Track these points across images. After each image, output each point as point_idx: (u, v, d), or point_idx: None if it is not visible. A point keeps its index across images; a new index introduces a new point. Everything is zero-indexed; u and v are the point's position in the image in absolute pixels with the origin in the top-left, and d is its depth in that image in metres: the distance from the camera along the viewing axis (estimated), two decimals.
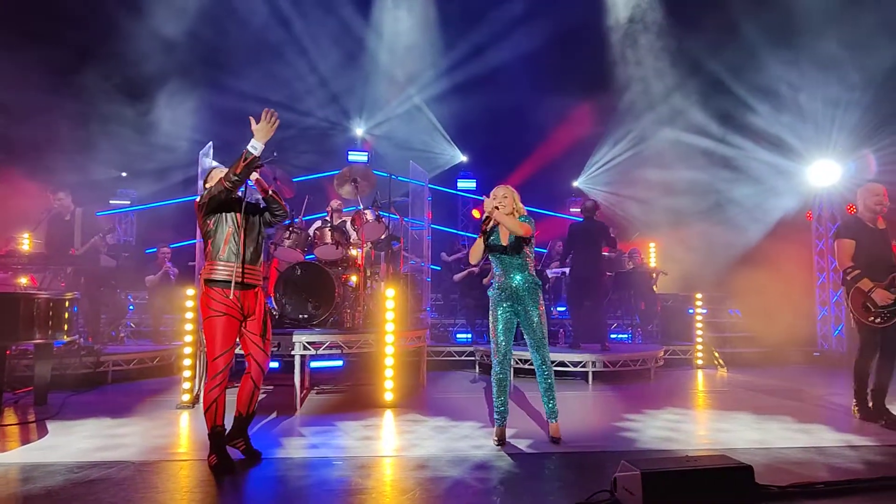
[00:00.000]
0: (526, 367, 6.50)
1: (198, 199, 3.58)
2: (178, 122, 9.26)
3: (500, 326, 3.96)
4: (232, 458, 3.40)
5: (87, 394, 5.61)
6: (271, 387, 5.93)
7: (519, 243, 3.94)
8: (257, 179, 3.58)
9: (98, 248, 6.63)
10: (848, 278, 4.56)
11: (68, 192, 6.53)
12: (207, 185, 3.57)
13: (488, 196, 3.99)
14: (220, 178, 3.37)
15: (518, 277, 3.95)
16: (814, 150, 8.82)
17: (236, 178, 3.32)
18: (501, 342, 3.95)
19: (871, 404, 4.62)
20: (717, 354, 7.99)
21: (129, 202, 11.36)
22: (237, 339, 3.52)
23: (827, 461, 3.54)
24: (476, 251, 3.97)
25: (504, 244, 3.96)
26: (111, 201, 11.10)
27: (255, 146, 3.27)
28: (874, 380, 4.62)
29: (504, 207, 3.92)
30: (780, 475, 3.15)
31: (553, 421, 4.00)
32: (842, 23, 7.81)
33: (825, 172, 8.69)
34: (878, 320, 4.49)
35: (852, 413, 4.72)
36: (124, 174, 11.13)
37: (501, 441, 3.88)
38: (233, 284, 3.38)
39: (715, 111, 9.80)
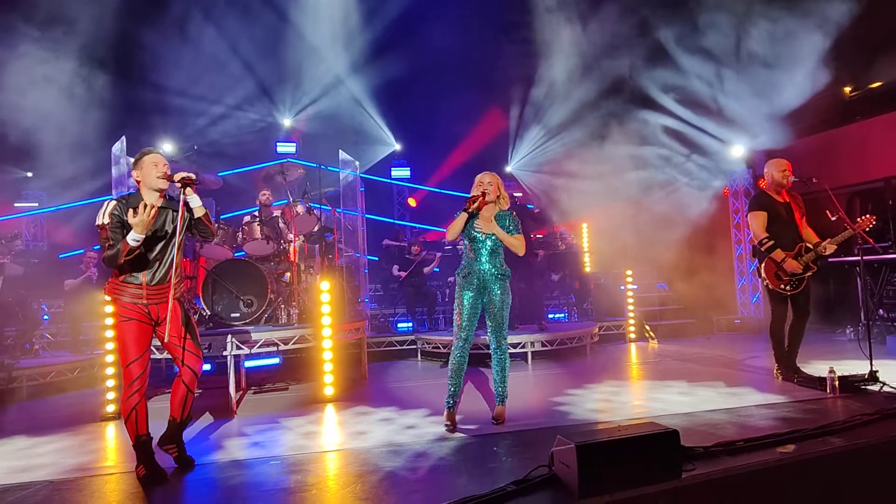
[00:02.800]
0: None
1: (100, 222, 3.20)
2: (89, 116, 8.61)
3: (466, 313, 3.93)
4: (162, 467, 3.23)
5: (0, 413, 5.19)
6: (202, 390, 5.69)
7: (496, 242, 3.98)
8: (184, 202, 3.31)
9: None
10: (762, 249, 4.86)
11: None
12: (134, 173, 3.32)
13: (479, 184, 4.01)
14: (104, 257, 3.15)
15: (487, 264, 3.96)
16: (732, 128, 9.30)
17: (116, 266, 3.20)
18: (465, 327, 3.93)
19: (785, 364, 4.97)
20: (647, 327, 8.37)
21: (36, 204, 10.53)
22: (150, 345, 3.34)
23: (748, 420, 3.79)
24: (455, 229, 3.90)
25: (482, 237, 3.97)
26: (16, 204, 10.26)
27: (136, 238, 3.08)
28: (787, 342, 4.97)
29: (490, 194, 3.96)
30: (705, 437, 3.33)
31: (501, 405, 4.08)
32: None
33: (738, 149, 9.23)
34: (789, 288, 4.83)
35: (774, 375, 5.06)
36: (29, 174, 10.30)
37: (452, 424, 3.90)
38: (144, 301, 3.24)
39: (640, 92, 10.13)
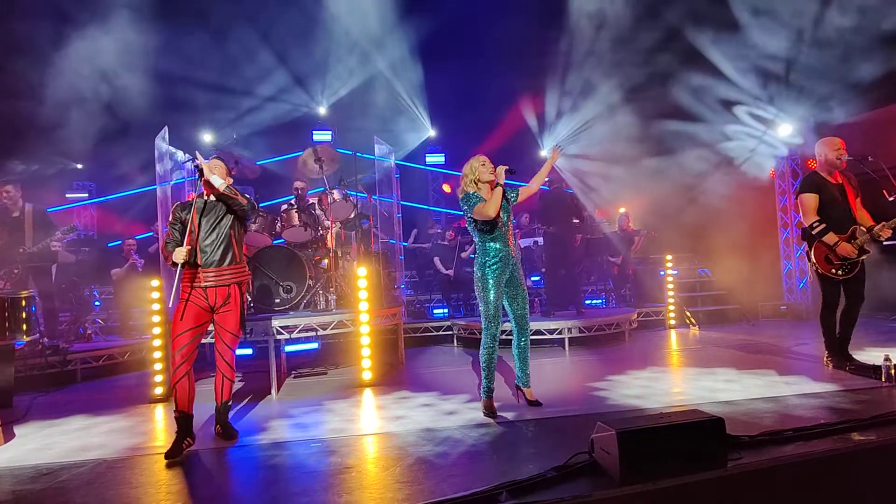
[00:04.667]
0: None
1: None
2: (131, 107, 8.85)
3: (494, 298, 3.91)
4: (181, 445, 3.39)
5: (56, 393, 5.46)
6: (244, 374, 5.85)
7: (511, 217, 4.05)
8: (205, 181, 3.64)
9: (52, 245, 6.30)
10: (813, 232, 4.64)
11: (17, 186, 6.20)
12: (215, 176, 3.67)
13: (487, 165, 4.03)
14: (161, 247, 3.84)
15: (513, 248, 4.00)
16: (779, 111, 8.93)
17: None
18: (495, 316, 3.92)
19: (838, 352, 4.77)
20: (688, 314, 8.17)
21: (86, 195, 10.95)
22: (199, 326, 3.63)
23: (796, 409, 3.65)
24: (496, 204, 3.81)
25: (505, 218, 3.99)
26: (67, 195, 10.69)
27: (175, 262, 3.52)
28: (839, 329, 4.76)
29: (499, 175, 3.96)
30: (750, 426, 3.23)
31: (528, 386, 4.10)
32: None
33: (786, 130, 8.84)
34: (840, 272, 4.61)
35: (824, 363, 4.87)
36: (79, 166, 10.70)
37: (492, 412, 3.88)
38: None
39: (682, 76, 9.79)
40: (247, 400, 4.82)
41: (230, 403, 3.83)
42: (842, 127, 7.65)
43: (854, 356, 4.74)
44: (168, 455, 3.31)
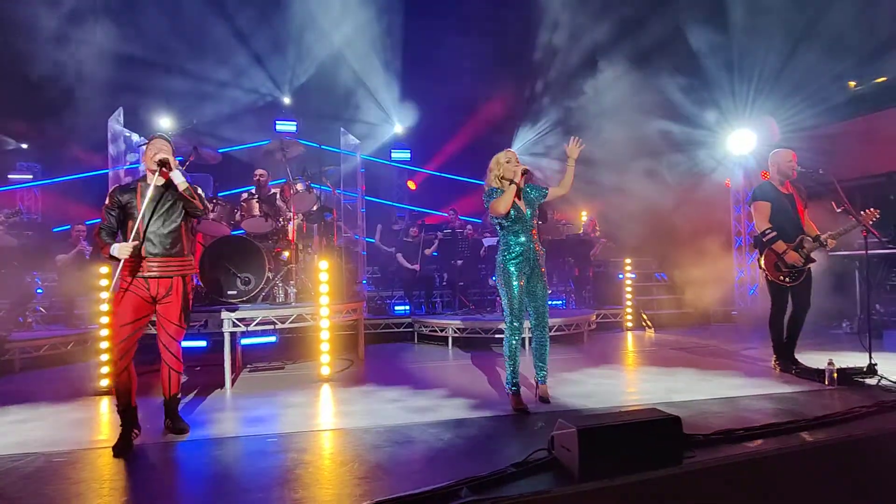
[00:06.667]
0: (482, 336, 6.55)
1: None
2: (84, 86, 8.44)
3: (517, 292, 3.92)
4: (130, 438, 3.27)
5: None
6: (197, 367, 5.66)
7: (535, 214, 4.04)
8: (165, 174, 3.46)
9: None
10: (764, 240, 4.81)
11: None
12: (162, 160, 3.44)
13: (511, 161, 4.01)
14: (94, 234, 3.47)
15: (535, 243, 4.00)
16: (731, 121, 9.24)
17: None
18: (518, 310, 3.94)
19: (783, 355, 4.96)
20: (645, 316, 8.36)
21: (31, 176, 10.39)
22: (140, 319, 3.43)
23: (747, 410, 3.77)
24: (507, 202, 3.85)
25: (528, 214, 3.99)
26: (10, 175, 10.12)
27: (115, 257, 3.30)
28: (786, 334, 4.95)
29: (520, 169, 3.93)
30: (705, 424, 3.32)
31: (545, 383, 4.12)
32: None
33: (741, 141, 9.15)
34: (788, 280, 4.80)
35: (772, 366, 5.05)
36: (24, 146, 10.14)
37: (522, 407, 3.85)
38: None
39: (638, 85, 10.02)
40: (199, 393, 4.65)
41: (179, 396, 3.68)
42: (794, 139, 7.99)
43: (799, 360, 4.94)
44: (117, 450, 3.16)
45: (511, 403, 3.93)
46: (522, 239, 3.96)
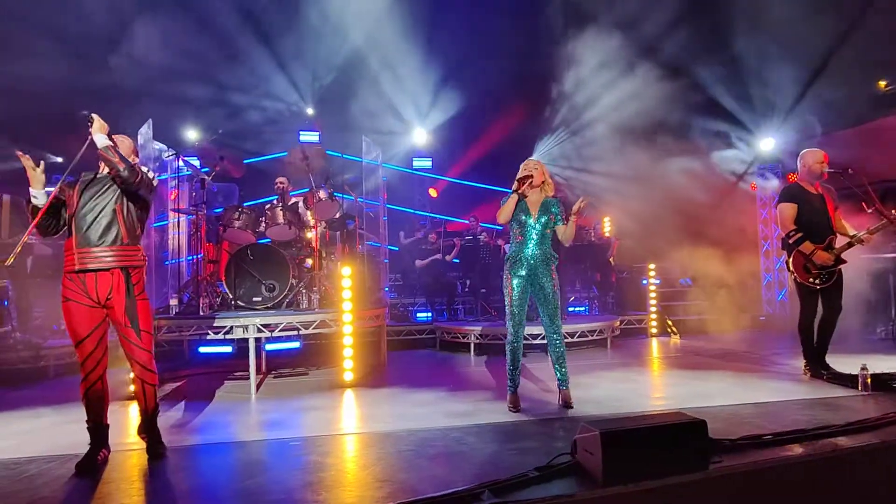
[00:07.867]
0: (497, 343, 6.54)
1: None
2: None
3: (517, 299, 3.99)
4: (95, 457, 3.07)
5: (26, 389, 5.30)
6: (223, 373, 5.75)
7: (546, 222, 4.04)
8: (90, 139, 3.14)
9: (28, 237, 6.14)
10: (790, 241, 4.72)
11: None
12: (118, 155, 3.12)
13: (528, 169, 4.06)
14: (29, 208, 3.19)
15: (536, 249, 4.00)
16: (760, 125, 9.10)
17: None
18: (517, 314, 3.99)
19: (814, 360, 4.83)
20: (670, 322, 8.23)
21: None
22: (96, 328, 3.12)
23: (775, 415, 3.68)
24: (507, 212, 3.97)
25: (533, 222, 4.02)
26: (47, 189, 10.44)
27: (37, 195, 3.13)
28: (817, 339, 4.82)
29: (535, 178, 4.00)
30: (731, 430, 3.25)
31: (565, 388, 4.11)
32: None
33: (768, 145, 9.00)
34: (818, 281, 4.68)
35: (802, 372, 4.92)
36: (59, 159, 10.47)
37: (515, 407, 3.97)
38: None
39: (667, 90, 9.92)
40: (225, 399, 4.73)
41: (158, 410, 3.36)
42: (823, 141, 7.83)
43: (831, 365, 4.80)
44: (79, 467, 2.96)
45: (508, 401, 4.04)
46: (527, 246, 4.00)
